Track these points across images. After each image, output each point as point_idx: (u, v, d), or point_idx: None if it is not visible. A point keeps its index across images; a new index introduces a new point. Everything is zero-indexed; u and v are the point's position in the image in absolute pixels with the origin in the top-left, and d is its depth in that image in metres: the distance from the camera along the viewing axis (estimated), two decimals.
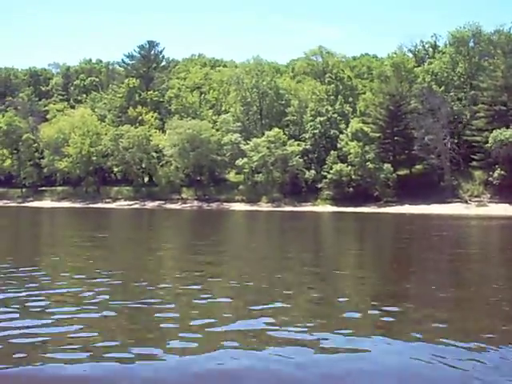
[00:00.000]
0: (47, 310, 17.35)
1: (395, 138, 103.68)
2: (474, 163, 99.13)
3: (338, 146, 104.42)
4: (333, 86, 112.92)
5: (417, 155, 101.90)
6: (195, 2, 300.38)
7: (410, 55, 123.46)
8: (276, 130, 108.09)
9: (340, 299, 19.84)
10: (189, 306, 18.57)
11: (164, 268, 28.93)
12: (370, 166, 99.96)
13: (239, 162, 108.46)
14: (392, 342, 14.37)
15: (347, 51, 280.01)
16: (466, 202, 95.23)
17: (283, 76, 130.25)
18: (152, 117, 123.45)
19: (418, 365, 12.62)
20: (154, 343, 14.23)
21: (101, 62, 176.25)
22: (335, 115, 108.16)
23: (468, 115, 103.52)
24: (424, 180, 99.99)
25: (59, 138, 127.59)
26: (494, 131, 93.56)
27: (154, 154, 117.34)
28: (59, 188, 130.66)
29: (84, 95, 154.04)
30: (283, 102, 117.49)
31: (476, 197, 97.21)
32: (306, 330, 15.25)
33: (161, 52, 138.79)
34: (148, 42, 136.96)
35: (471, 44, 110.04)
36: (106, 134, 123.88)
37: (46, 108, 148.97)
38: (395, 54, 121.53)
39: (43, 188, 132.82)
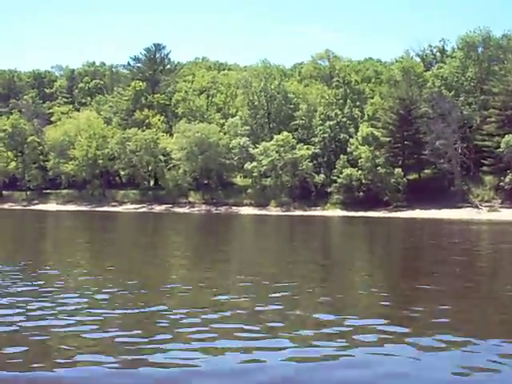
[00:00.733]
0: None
1: (405, 142, 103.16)
2: (485, 168, 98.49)
3: (348, 150, 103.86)
4: (342, 89, 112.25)
5: (426, 160, 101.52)
6: (196, 5, 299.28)
7: (418, 59, 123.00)
8: (285, 133, 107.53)
9: (351, 306, 20.15)
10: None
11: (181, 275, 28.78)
12: (381, 170, 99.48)
13: (248, 165, 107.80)
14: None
15: (347, 55, 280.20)
16: (477, 206, 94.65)
17: (290, 80, 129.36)
18: (159, 120, 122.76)
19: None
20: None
21: (104, 64, 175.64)
22: (344, 119, 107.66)
23: (478, 120, 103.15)
24: (434, 184, 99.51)
25: (65, 141, 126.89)
26: (506, 136, 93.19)
27: (162, 158, 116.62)
28: (64, 191, 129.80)
29: (89, 98, 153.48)
30: (291, 106, 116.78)
31: (487, 202, 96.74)
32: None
33: (167, 55, 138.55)
34: (154, 44, 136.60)
35: (480, 49, 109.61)
36: (112, 137, 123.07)
37: (51, 110, 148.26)
38: (402, 58, 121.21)
39: (48, 191, 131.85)
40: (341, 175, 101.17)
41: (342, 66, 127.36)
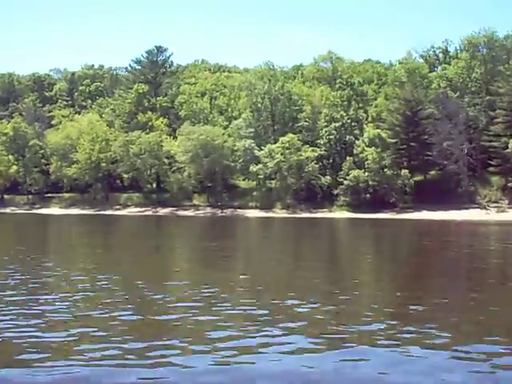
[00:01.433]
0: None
1: (411, 143, 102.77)
2: (491, 169, 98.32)
3: (355, 151, 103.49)
4: (346, 91, 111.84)
5: (432, 161, 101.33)
6: (192, 8, 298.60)
7: (421, 60, 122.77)
8: (290, 135, 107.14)
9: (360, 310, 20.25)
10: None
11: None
12: (388, 172, 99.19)
13: (253, 168, 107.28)
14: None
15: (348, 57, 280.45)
16: (485, 207, 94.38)
17: (292, 81, 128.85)
18: (162, 123, 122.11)
19: None
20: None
21: (103, 67, 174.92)
22: (349, 121, 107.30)
23: (484, 121, 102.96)
24: (440, 186, 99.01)
25: (67, 144, 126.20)
26: None
27: (166, 160, 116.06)
28: (66, 195, 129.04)
29: (89, 101, 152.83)
30: (296, 108, 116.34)
31: (494, 202, 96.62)
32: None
33: (169, 57, 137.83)
34: (156, 47, 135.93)
35: (485, 49, 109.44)
36: (114, 140, 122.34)
37: (51, 114, 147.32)
38: (406, 59, 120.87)
39: (49, 195, 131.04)
40: (347, 177, 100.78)
41: (345, 67, 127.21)
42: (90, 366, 13.64)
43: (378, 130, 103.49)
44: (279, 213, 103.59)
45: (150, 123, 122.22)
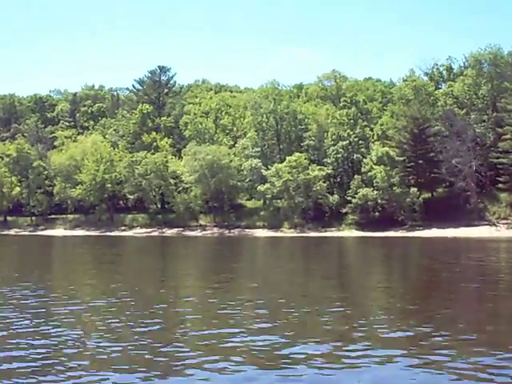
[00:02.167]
0: None
1: (419, 161, 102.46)
2: (500, 185, 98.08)
3: (363, 170, 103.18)
4: (353, 109, 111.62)
5: (439, 178, 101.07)
6: (192, 28, 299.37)
7: (425, 78, 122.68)
8: (297, 154, 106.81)
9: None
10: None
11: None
12: (397, 190, 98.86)
13: (261, 187, 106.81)
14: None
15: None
16: (494, 224, 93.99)
17: (296, 100, 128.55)
18: (167, 143, 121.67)
19: None
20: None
21: (103, 87, 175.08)
22: (356, 139, 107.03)
23: (492, 137, 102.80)
24: (448, 203, 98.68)
25: (71, 165, 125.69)
26: None
27: (172, 181, 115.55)
28: (70, 216, 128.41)
29: (91, 122, 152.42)
30: (302, 127, 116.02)
31: (503, 219, 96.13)
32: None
33: (172, 77, 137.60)
34: (158, 67, 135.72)
35: (490, 66, 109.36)
36: (119, 161, 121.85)
37: (53, 135, 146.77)
38: (410, 77, 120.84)
39: (53, 216, 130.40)
40: (356, 195, 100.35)
41: (349, 85, 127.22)
42: None
43: (386, 148, 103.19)
44: (287, 232, 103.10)
45: (154, 143, 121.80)
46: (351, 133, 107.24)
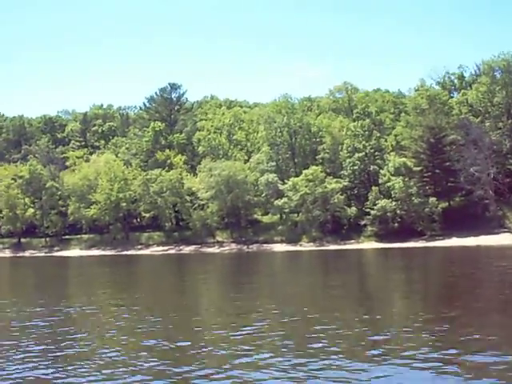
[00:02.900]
0: None
1: (436, 170, 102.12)
2: None
3: (380, 181, 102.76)
4: (367, 121, 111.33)
5: (456, 187, 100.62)
6: (197, 46, 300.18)
7: (437, 87, 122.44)
8: (314, 167, 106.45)
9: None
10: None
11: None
12: (415, 200, 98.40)
13: (278, 202, 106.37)
14: None
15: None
16: None
17: (308, 113, 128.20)
18: (180, 160, 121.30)
19: None
20: None
21: (112, 106, 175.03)
22: (372, 150, 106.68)
23: (508, 144, 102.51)
24: (466, 212, 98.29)
25: (84, 185, 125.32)
26: None
27: (188, 198, 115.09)
28: (85, 236, 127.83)
29: (102, 141, 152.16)
30: (317, 140, 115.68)
31: None
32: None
33: (183, 94, 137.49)
34: (169, 84, 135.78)
35: (504, 73, 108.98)
36: (133, 179, 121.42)
37: (65, 155, 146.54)
38: (421, 87, 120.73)
39: (68, 236, 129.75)
40: (374, 207, 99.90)
41: (360, 97, 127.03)
42: None
43: (404, 159, 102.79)
44: (306, 246, 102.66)
45: (168, 161, 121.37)
46: (367, 144, 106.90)
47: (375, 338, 22.26)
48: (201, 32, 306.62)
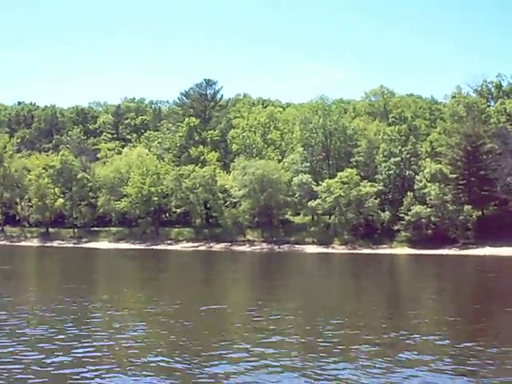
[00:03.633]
0: None
1: (471, 178, 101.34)
2: None
3: (416, 187, 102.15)
4: (404, 126, 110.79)
5: (490, 196, 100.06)
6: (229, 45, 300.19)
7: (474, 95, 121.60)
8: (349, 170, 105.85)
9: None
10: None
11: None
12: (450, 207, 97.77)
13: (312, 203, 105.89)
14: None
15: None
16: None
17: (344, 116, 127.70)
18: (214, 156, 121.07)
19: None
20: None
21: (144, 100, 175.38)
22: (408, 156, 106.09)
23: None
24: (500, 221, 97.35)
25: (116, 178, 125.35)
26: None
27: (220, 195, 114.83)
28: (113, 229, 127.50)
29: (134, 134, 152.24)
30: (352, 143, 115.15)
31: None
32: None
33: (218, 91, 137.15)
34: (205, 80, 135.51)
35: None
36: (165, 174, 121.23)
37: (96, 147, 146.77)
38: (460, 93, 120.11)
39: (96, 228, 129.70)
40: (409, 212, 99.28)
41: (396, 101, 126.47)
42: None
43: (440, 165, 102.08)
44: (338, 248, 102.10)
45: (202, 157, 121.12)
46: (403, 149, 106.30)
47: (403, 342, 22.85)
48: (229, 33, 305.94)
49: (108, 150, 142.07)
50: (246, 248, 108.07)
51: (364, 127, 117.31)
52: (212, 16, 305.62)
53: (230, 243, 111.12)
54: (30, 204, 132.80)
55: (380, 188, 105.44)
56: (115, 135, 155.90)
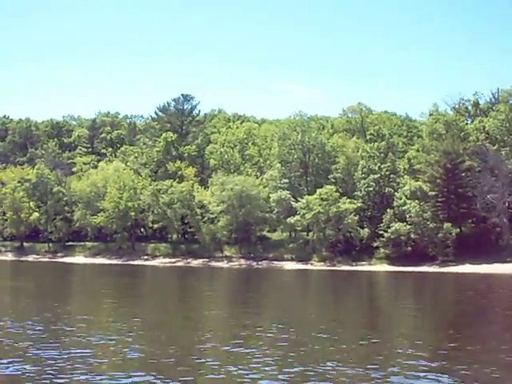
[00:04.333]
0: None
1: (451, 195, 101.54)
2: None
3: (395, 204, 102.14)
4: (384, 143, 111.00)
5: (469, 213, 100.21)
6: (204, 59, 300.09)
7: (451, 113, 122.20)
8: (328, 187, 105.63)
9: None
10: None
11: None
12: (430, 225, 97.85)
13: (291, 219, 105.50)
14: None
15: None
16: None
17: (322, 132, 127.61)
18: (191, 172, 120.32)
19: None
20: None
21: (118, 114, 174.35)
22: (387, 172, 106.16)
23: None
24: (479, 238, 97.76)
25: (92, 192, 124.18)
26: None
27: (198, 211, 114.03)
28: (88, 243, 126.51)
29: (110, 149, 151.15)
30: (330, 160, 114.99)
31: None
32: None
33: (195, 106, 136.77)
34: (182, 95, 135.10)
35: None
36: (142, 189, 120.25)
37: (71, 161, 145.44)
38: (436, 111, 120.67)
39: (71, 243, 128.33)
40: (388, 230, 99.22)
41: (374, 118, 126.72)
42: None
43: (419, 183, 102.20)
44: (317, 265, 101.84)
45: (179, 172, 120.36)
46: (382, 166, 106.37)
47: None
48: (200, 47, 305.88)
49: (83, 164, 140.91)
50: (224, 264, 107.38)
51: (342, 144, 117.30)
52: (188, 32, 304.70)
53: (207, 259, 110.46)
54: (4, 218, 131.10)
55: (359, 205, 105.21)
56: (90, 149, 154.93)
